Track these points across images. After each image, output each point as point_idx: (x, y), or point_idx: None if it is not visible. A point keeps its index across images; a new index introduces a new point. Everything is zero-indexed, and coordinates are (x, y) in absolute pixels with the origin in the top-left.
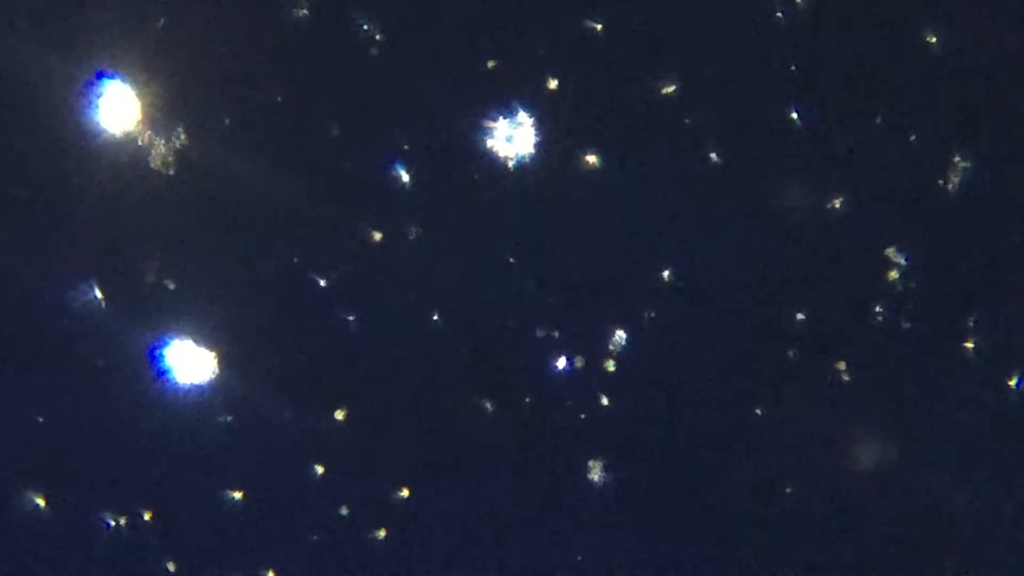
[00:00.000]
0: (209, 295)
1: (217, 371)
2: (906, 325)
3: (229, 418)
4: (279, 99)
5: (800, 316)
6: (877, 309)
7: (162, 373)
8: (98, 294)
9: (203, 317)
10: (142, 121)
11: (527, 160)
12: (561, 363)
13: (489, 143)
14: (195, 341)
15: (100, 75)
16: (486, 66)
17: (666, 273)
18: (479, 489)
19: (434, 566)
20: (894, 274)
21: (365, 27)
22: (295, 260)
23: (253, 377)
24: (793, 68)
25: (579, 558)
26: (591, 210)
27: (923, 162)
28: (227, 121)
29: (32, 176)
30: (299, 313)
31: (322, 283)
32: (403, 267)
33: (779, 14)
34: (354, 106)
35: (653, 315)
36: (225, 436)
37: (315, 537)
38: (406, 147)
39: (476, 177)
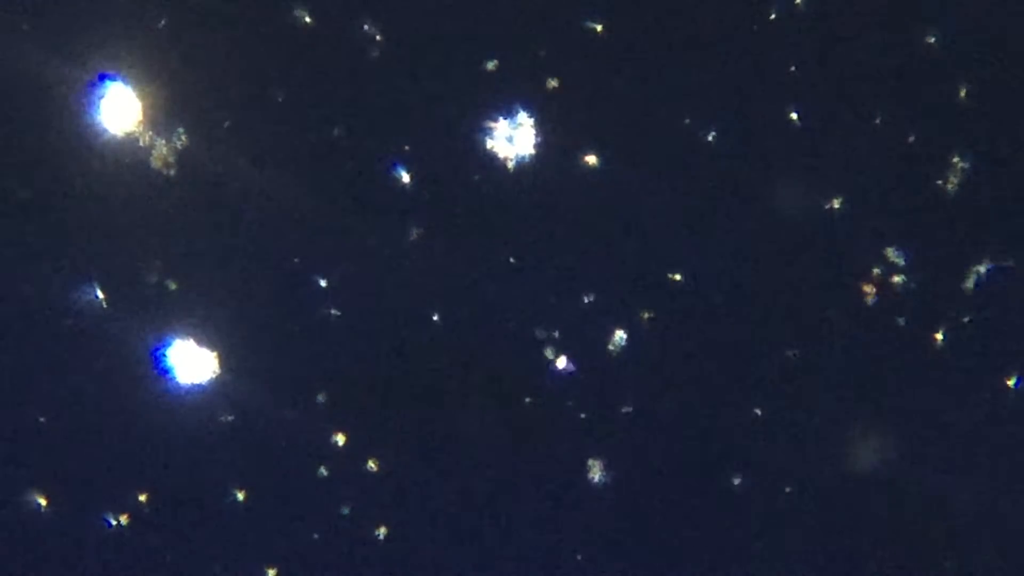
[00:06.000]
0: (210, 295)
1: (218, 371)
2: (905, 325)
3: (230, 418)
4: (279, 99)
5: (800, 316)
6: (876, 309)
7: (163, 373)
8: (99, 294)
9: (204, 317)
10: (143, 122)
11: (527, 160)
12: (561, 363)
13: (489, 143)
14: (196, 341)
15: (102, 76)
16: (486, 66)
17: (666, 273)
18: (479, 489)
19: (434, 565)
20: (894, 275)
21: (365, 28)
22: (295, 260)
23: (254, 377)
24: (793, 68)
25: (579, 558)
26: (591, 210)
27: (922, 162)
28: (228, 122)
29: (33, 176)
30: (300, 313)
31: (322, 283)
32: (403, 267)
33: (778, 13)
34: (355, 107)
35: (653, 315)
36: (226, 436)
37: (316, 536)
38: (407, 148)
39: (476, 177)
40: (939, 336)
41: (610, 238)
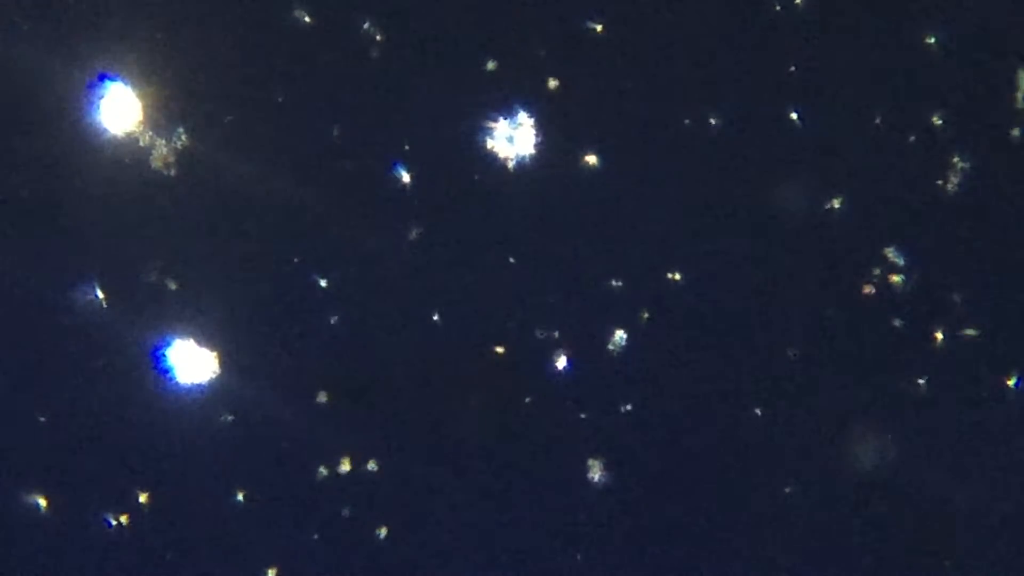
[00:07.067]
0: (210, 295)
1: (218, 371)
2: (905, 325)
3: (230, 418)
4: (279, 99)
5: (800, 316)
6: (876, 309)
7: (163, 373)
8: (99, 294)
9: (204, 317)
10: (143, 122)
11: (527, 160)
12: (561, 363)
13: (489, 143)
14: (196, 341)
15: (102, 76)
16: (486, 66)
17: (666, 273)
18: (479, 489)
19: (434, 566)
20: (894, 275)
21: (365, 27)
22: (295, 260)
23: (254, 377)
24: (793, 68)
25: (579, 558)
26: (591, 210)
27: (923, 162)
28: (227, 122)
29: (33, 176)
30: (300, 313)
31: (322, 283)
32: (403, 267)
33: (778, 12)
34: (354, 106)
35: (653, 315)
36: (226, 436)
37: (316, 536)
38: (407, 148)
39: (476, 177)
40: (939, 336)
41: (610, 238)
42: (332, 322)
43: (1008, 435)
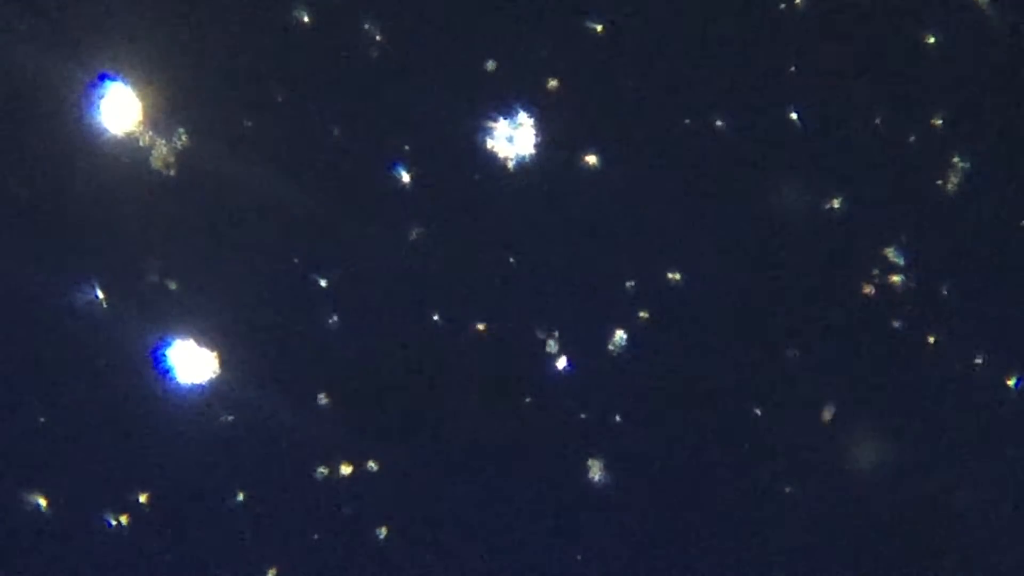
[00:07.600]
0: (210, 295)
1: (218, 371)
2: (905, 325)
3: (230, 418)
4: (279, 99)
5: (800, 316)
6: (876, 309)
7: (163, 373)
8: (99, 294)
9: (204, 317)
10: (143, 122)
11: (527, 160)
12: (561, 363)
13: (489, 143)
14: (196, 341)
15: (102, 76)
16: (486, 66)
17: (666, 273)
18: (479, 489)
19: (434, 566)
20: (894, 275)
21: (365, 27)
22: (295, 260)
23: (254, 377)
24: (793, 68)
25: (579, 558)
26: (591, 210)
27: (922, 162)
28: (228, 122)
29: (33, 176)
30: (300, 313)
31: (322, 283)
32: (403, 267)
33: (779, 12)
34: (354, 106)
35: (653, 315)
36: (226, 436)
37: (316, 536)
38: (406, 147)
39: (476, 177)
40: (939, 336)
41: (610, 238)
42: (332, 322)
43: (1008, 435)
